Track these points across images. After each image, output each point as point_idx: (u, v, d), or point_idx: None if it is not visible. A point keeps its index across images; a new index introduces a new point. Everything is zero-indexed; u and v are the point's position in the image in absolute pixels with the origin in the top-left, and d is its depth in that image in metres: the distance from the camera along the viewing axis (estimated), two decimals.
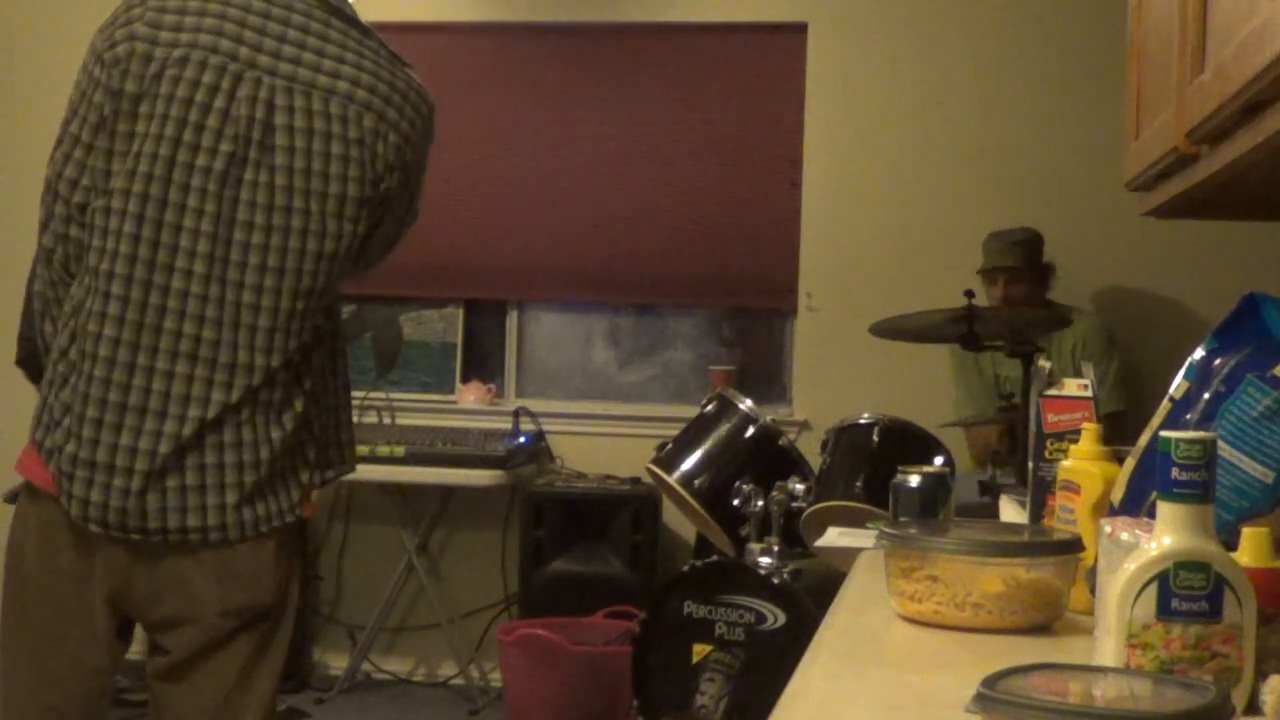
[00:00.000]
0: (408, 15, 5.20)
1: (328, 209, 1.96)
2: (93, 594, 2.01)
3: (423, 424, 5.07)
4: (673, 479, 3.61)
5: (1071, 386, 1.80)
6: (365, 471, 4.75)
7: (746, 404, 3.67)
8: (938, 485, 1.88)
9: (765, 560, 3.40)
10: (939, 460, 3.36)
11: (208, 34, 1.93)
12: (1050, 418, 1.79)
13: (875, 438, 3.44)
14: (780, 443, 3.64)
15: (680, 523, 4.61)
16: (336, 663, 5.11)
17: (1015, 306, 4.37)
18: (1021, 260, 4.44)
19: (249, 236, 1.94)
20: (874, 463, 3.37)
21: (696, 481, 3.58)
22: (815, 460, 3.60)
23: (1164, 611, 1.13)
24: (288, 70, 1.95)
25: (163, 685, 2.07)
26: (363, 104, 1.97)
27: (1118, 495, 1.48)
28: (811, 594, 3.22)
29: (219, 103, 1.92)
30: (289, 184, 1.94)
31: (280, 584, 2.06)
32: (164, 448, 1.93)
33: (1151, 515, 1.24)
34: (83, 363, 1.94)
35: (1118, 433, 4.10)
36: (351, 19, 2.04)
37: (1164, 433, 1.15)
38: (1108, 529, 1.32)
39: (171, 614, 2.02)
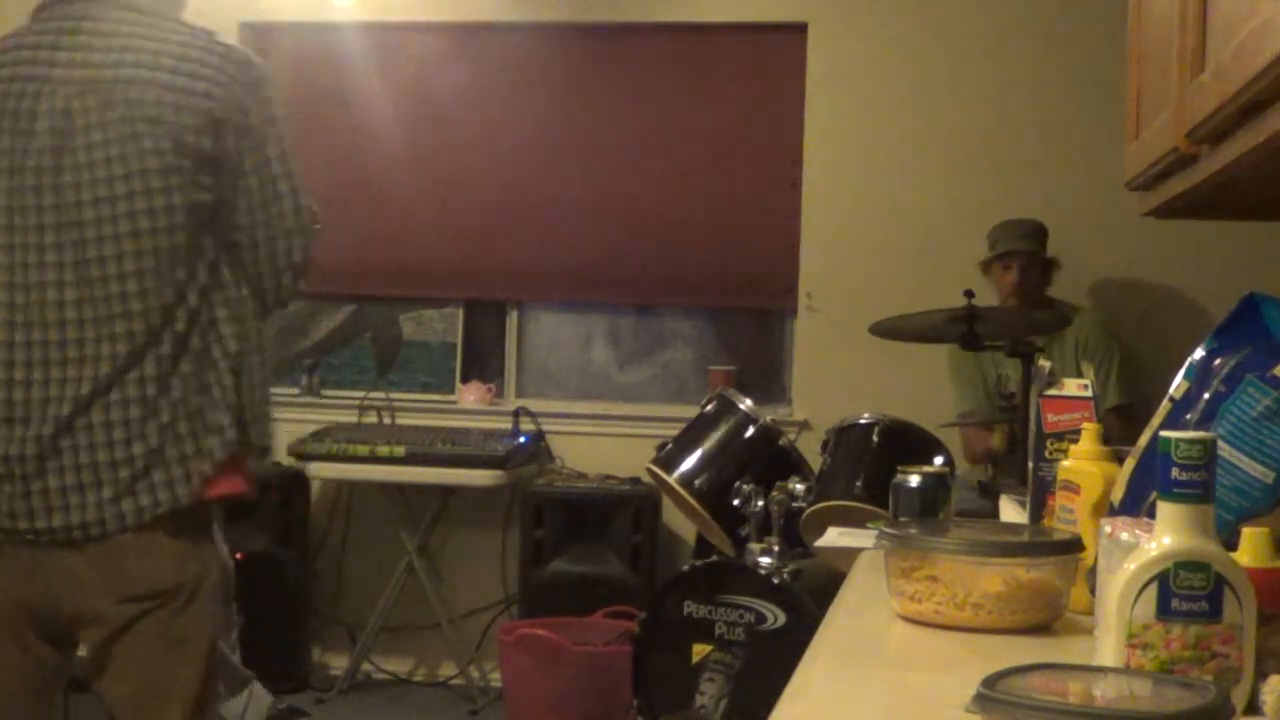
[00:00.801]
0: (407, 15, 5.20)
1: (135, 188, 2.05)
2: (3, 594, 2.13)
3: (423, 424, 5.06)
4: (673, 479, 3.60)
5: (1071, 386, 1.80)
6: (365, 471, 4.79)
7: (746, 404, 3.67)
8: (938, 485, 1.88)
9: (765, 560, 3.40)
10: (939, 460, 3.36)
11: (21, 65, 2.12)
12: (1050, 418, 1.79)
13: (875, 438, 3.44)
14: (780, 443, 3.64)
15: (680, 523, 4.61)
16: (336, 663, 5.11)
17: (1024, 295, 4.37)
18: (1036, 247, 4.46)
19: (74, 235, 2.05)
20: (874, 463, 3.37)
21: (696, 481, 3.58)
22: (815, 460, 3.60)
23: (1164, 611, 1.13)
24: (74, 75, 2.08)
25: (96, 683, 2.16)
26: (149, 82, 2.06)
27: (1118, 495, 1.48)
28: (811, 594, 3.22)
29: (23, 124, 2.08)
30: (84, 177, 2.05)
31: (181, 566, 2.12)
32: (30, 450, 2.05)
33: (1151, 515, 1.24)
34: None
35: (1126, 425, 4.14)
36: (134, 5, 2.14)
37: (1164, 433, 1.15)
38: (1108, 529, 1.32)
39: (74, 610, 2.11)
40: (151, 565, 2.10)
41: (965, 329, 3.60)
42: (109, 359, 2.05)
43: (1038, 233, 4.48)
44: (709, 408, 3.73)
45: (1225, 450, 1.31)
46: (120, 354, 2.05)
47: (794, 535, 3.45)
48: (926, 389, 4.55)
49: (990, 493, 3.42)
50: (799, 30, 4.98)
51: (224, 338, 2.13)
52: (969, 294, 3.62)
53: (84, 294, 2.06)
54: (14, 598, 2.12)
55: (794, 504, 3.45)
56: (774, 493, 3.45)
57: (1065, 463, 1.67)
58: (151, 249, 2.06)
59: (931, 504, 1.87)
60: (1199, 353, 1.43)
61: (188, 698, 2.14)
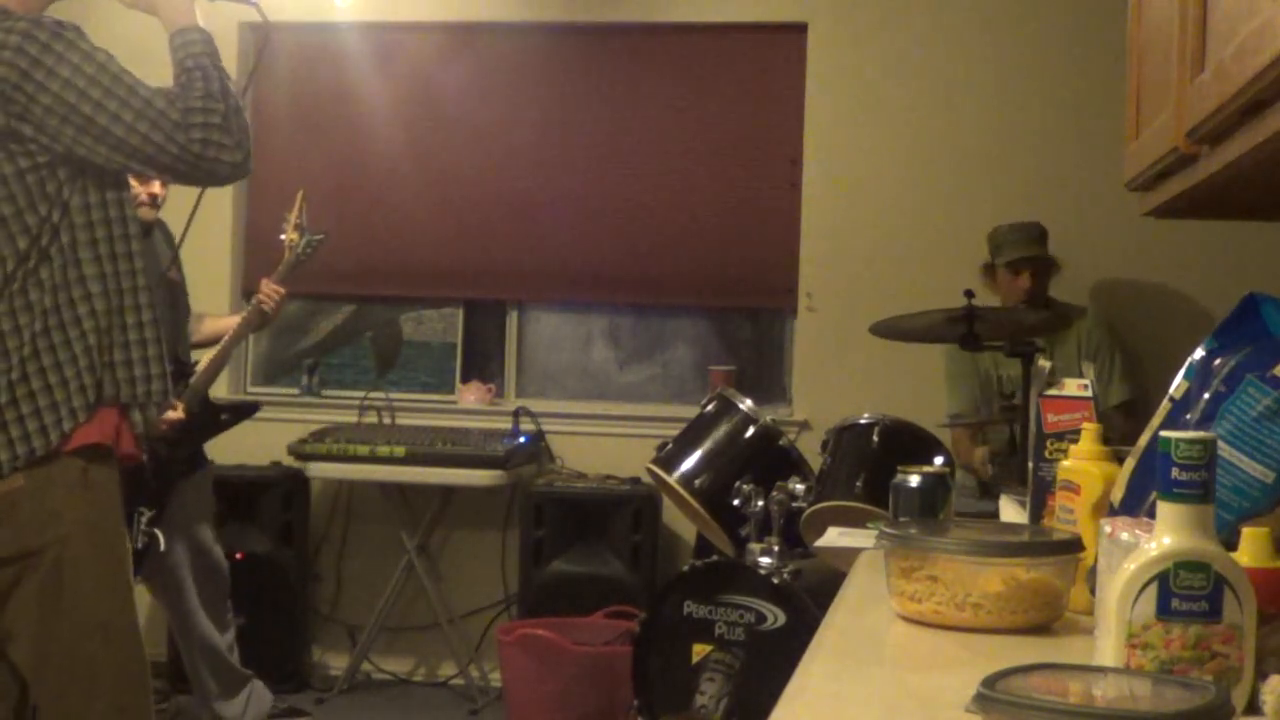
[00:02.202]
0: (407, 15, 5.20)
1: None
2: None
3: (423, 424, 5.06)
4: (673, 479, 3.60)
5: (1071, 386, 1.80)
6: (365, 471, 4.79)
7: (746, 404, 3.67)
8: (938, 485, 1.88)
9: (765, 560, 3.40)
10: (939, 460, 3.36)
11: None
12: (1050, 418, 1.79)
13: (875, 438, 3.44)
14: (780, 443, 3.64)
15: (680, 523, 4.61)
16: (336, 663, 5.11)
17: (1033, 300, 4.35)
18: (1044, 251, 4.44)
19: None
20: (874, 463, 3.37)
21: (697, 481, 3.58)
22: (815, 460, 3.60)
23: (1164, 611, 1.12)
24: None
25: (10, 654, 2.24)
26: None
27: (1118, 495, 1.48)
28: (811, 594, 3.22)
29: None
30: None
31: (44, 526, 2.18)
32: None
33: (1151, 515, 1.24)
34: None
35: (1130, 421, 4.13)
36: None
37: (1164, 433, 1.15)
38: (1108, 529, 1.32)
39: None
40: (14, 528, 2.18)
41: (965, 329, 3.60)
42: None
43: (1043, 236, 4.47)
44: (709, 408, 3.73)
45: (1225, 450, 1.31)
46: None
47: (794, 535, 3.45)
48: (926, 389, 4.55)
49: (990, 493, 3.42)
50: (799, 30, 4.98)
51: (91, 295, 2.22)
52: (969, 294, 3.62)
53: None
54: None
55: (794, 504, 3.45)
56: (774, 493, 3.45)
57: (1065, 463, 1.67)
58: None
59: (931, 504, 1.87)
60: (1199, 353, 1.43)
61: (71, 659, 2.19)
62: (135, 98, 2.21)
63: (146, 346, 2.28)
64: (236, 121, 2.27)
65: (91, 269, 2.23)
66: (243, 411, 4.40)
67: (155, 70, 2.39)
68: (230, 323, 4.25)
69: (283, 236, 4.30)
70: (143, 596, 3.91)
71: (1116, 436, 1.67)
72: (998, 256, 4.46)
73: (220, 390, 4.68)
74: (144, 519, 3.78)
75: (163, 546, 3.79)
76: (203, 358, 4.17)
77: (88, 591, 2.21)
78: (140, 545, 3.74)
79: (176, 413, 3.87)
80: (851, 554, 2.11)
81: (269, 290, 4.20)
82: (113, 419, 2.25)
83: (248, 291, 4.97)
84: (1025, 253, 4.40)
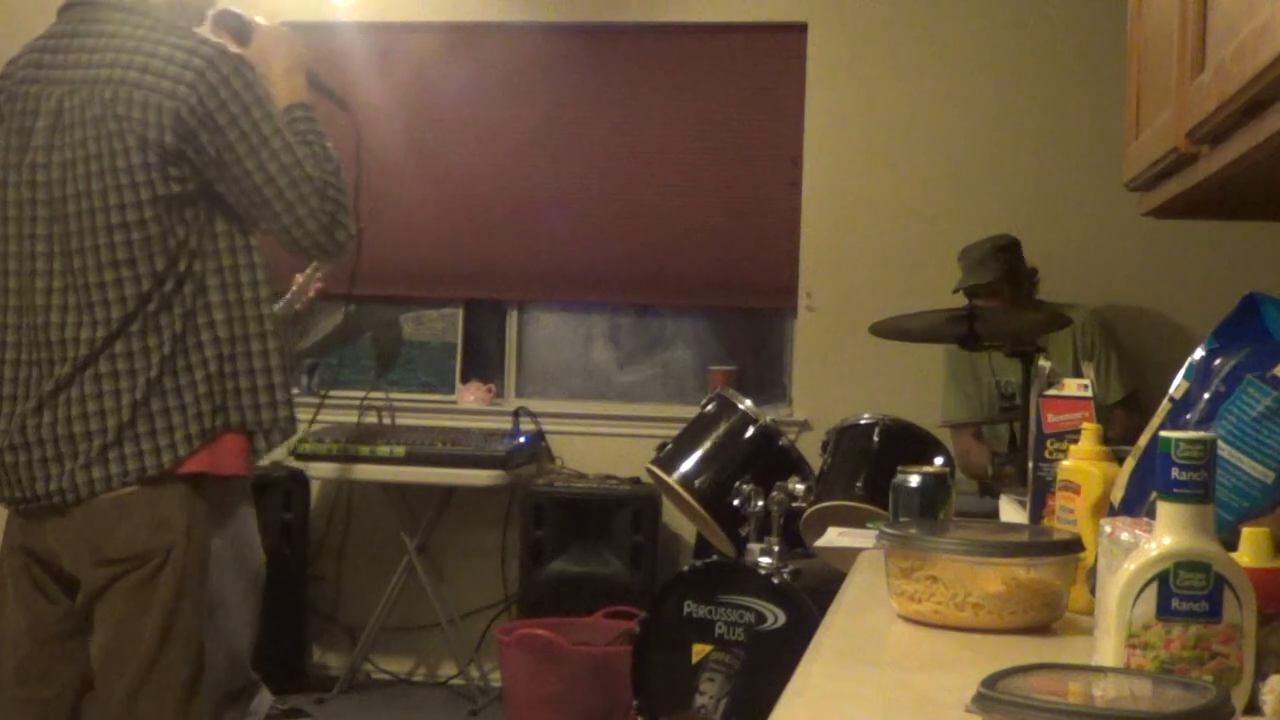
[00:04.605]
0: (407, 15, 5.20)
1: (109, 183, 2.20)
2: (24, 553, 2.33)
3: (423, 424, 5.07)
4: (673, 479, 3.60)
5: (1071, 386, 1.80)
6: (365, 471, 4.79)
7: (746, 404, 3.67)
8: (938, 485, 1.88)
9: (765, 560, 3.40)
10: (939, 460, 3.36)
11: (30, 67, 2.29)
12: (1050, 418, 1.79)
13: (875, 438, 3.44)
14: (780, 443, 3.64)
15: (680, 523, 4.61)
16: (336, 663, 5.11)
17: (1017, 309, 4.33)
18: (1000, 272, 4.29)
19: (61, 227, 2.22)
20: (874, 463, 3.37)
21: (697, 482, 3.58)
22: (815, 460, 3.60)
23: (1164, 611, 1.13)
24: (69, 75, 2.23)
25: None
26: (121, 80, 2.19)
27: (1118, 495, 1.48)
28: (811, 594, 3.22)
29: (26, 122, 2.26)
30: (69, 173, 2.21)
31: (153, 533, 2.25)
32: (17, 425, 2.26)
33: (1151, 515, 1.24)
34: None
35: (1133, 416, 4.12)
36: (130, 8, 2.27)
37: (1164, 433, 1.16)
38: (1108, 529, 1.32)
39: (69, 570, 2.29)
40: (125, 532, 2.24)
41: (965, 329, 3.60)
42: (87, 342, 2.22)
43: (996, 252, 4.32)
44: (709, 408, 3.73)
45: (1225, 450, 1.31)
46: (98, 338, 2.22)
47: (794, 535, 3.45)
48: (926, 389, 4.55)
49: (990, 492, 3.42)
50: (799, 30, 4.98)
51: (215, 323, 2.27)
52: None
53: (68, 282, 2.23)
54: (32, 554, 2.31)
55: (794, 504, 3.44)
56: (774, 493, 3.45)
57: (1065, 463, 1.67)
58: (124, 241, 2.20)
59: (931, 504, 1.87)
60: (1199, 353, 1.43)
61: (145, 660, 2.25)
62: (288, 154, 2.28)
63: (271, 375, 2.32)
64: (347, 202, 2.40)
65: (217, 296, 2.27)
66: None
67: None
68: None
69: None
70: None
71: (1120, 432, 1.67)
72: (961, 284, 4.33)
73: None
74: None
75: None
76: None
77: (181, 600, 2.27)
78: None
79: None
80: (851, 554, 2.11)
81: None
82: (236, 445, 2.31)
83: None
84: (972, 281, 4.26)
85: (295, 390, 5.22)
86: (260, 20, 2.48)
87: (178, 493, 2.27)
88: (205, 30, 2.41)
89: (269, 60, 2.41)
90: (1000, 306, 4.22)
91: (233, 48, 2.37)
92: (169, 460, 2.24)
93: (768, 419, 3.68)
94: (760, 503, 3.45)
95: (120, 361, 2.23)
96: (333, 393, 5.28)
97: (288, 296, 4.24)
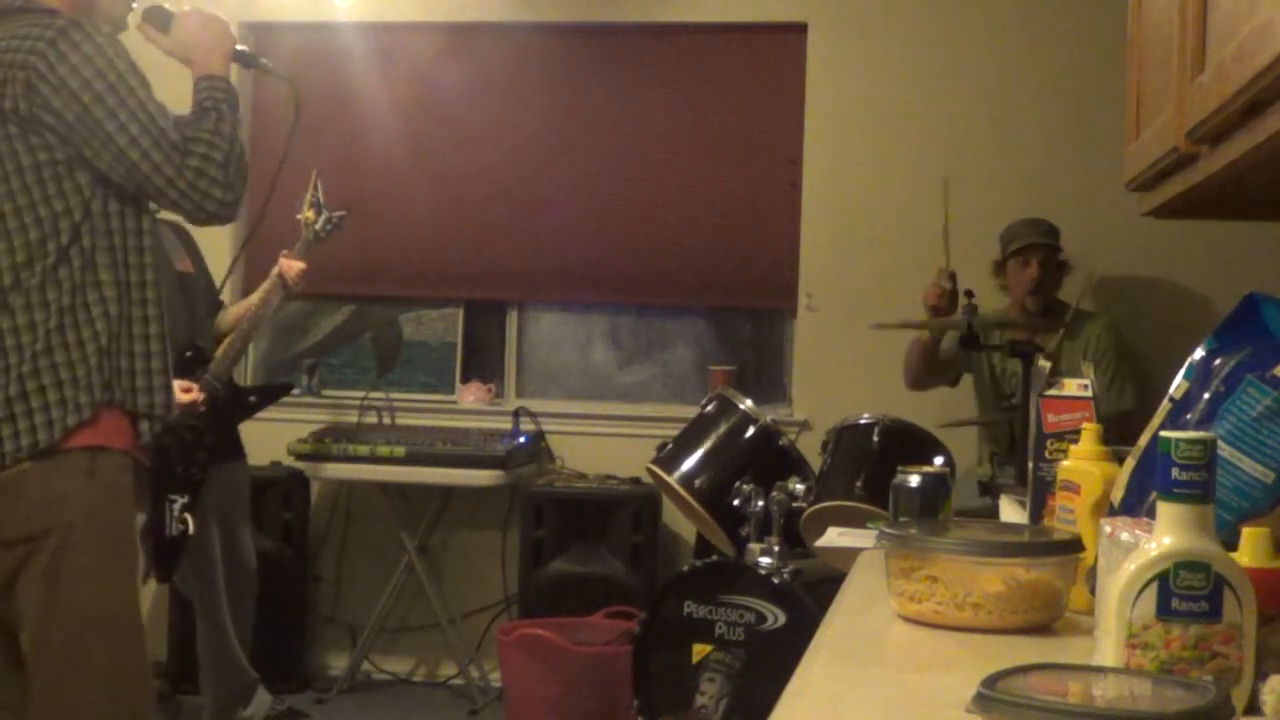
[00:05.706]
0: (407, 15, 5.20)
1: None
2: None
3: (423, 424, 5.07)
4: (673, 479, 3.61)
5: (1071, 386, 1.80)
6: (365, 471, 4.79)
7: (746, 404, 3.67)
8: (938, 485, 1.88)
9: (765, 560, 3.40)
10: (939, 460, 3.36)
11: None
12: (1050, 418, 1.79)
13: (875, 438, 3.44)
14: (780, 443, 3.64)
15: (680, 523, 4.61)
16: (336, 663, 5.11)
17: (1041, 293, 4.31)
18: (1054, 243, 4.40)
19: None
20: (874, 463, 3.37)
21: (697, 482, 3.59)
22: (815, 460, 3.60)
23: (1164, 611, 1.12)
24: None
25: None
26: None
27: (1118, 495, 1.48)
28: (811, 594, 3.22)
29: None
30: None
31: (51, 509, 2.22)
32: None
33: (1151, 515, 1.24)
34: None
35: (1125, 432, 4.10)
36: (34, 8, 2.30)
37: (1164, 433, 1.15)
38: (1108, 529, 1.32)
39: None
40: (20, 511, 2.23)
41: (965, 329, 3.60)
42: None
43: (1053, 231, 4.44)
44: (709, 408, 3.73)
45: (1225, 450, 1.31)
46: None
47: (794, 535, 3.46)
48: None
49: (990, 493, 3.42)
50: (799, 30, 4.98)
51: (106, 299, 2.27)
52: (969, 294, 3.63)
53: None
54: None
55: (794, 504, 3.45)
56: (774, 493, 3.45)
57: (1065, 463, 1.67)
58: (0, 212, 2.23)
59: (931, 504, 1.87)
60: (1199, 353, 1.43)
61: (61, 646, 2.22)
62: (143, 111, 2.26)
63: (151, 359, 2.32)
64: (236, 166, 2.32)
65: (107, 274, 2.28)
66: (272, 393, 4.41)
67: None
68: (252, 301, 4.27)
69: (299, 215, 4.36)
70: (147, 593, 3.92)
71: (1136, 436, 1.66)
72: (1008, 248, 4.42)
73: None
74: (177, 505, 3.76)
75: (191, 530, 3.78)
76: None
77: (89, 580, 2.24)
78: (175, 532, 3.74)
79: (192, 394, 3.86)
80: (851, 554, 2.11)
81: (289, 264, 4.23)
82: (121, 424, 2.29)
83: (249, 291, 4.97)
84: (1033, 240, 4.36)
85: (295, 390, 5.26)
86: (183, 9, 2.50)
87: (71, 468, 2.25)
88: (133, 27, 2.46)
89: (190, 43, 2.44)
90: (1047, 280, 4.30)
91: (160, 38, 2.43)
92: (60, 431, 2.22)
93: (768, 419, 3.68)
94: (760, 503, 3.45)
95: (6, 336, 2.23)
96: (333, 393, 5.28)
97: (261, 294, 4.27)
